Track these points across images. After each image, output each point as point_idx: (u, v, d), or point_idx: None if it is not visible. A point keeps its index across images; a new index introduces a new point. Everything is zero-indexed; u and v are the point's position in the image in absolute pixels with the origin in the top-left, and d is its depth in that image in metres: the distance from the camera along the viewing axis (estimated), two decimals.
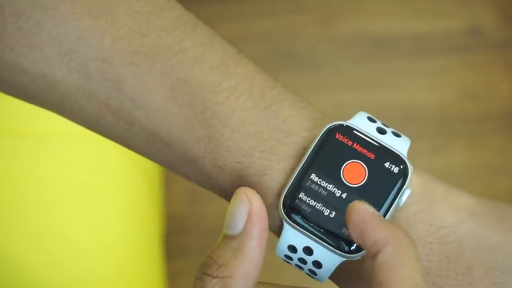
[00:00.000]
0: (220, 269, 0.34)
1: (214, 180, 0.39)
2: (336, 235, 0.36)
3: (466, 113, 1.27)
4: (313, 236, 0.36)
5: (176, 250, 1.15)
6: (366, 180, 0.37)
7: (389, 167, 0.37)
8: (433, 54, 1.30)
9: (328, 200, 0.37)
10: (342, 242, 0.36)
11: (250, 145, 0.37)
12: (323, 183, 0.37)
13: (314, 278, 0.38)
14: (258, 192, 0.37)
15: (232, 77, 0.38)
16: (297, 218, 0.37)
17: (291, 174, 0.37)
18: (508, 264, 0.36)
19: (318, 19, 1.32)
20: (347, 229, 0.35)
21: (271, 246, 0.38)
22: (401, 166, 0.37)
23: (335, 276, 0.38)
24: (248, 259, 0.35)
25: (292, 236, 0.37)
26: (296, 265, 0.38)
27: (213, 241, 0.37)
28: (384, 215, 0.36)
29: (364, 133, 0.37)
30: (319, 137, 0.37)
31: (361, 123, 0.38)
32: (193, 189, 1.19)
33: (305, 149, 0.37)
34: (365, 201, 0.36)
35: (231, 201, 0.36)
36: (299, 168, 0.37)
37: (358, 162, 0.37)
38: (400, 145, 0.37)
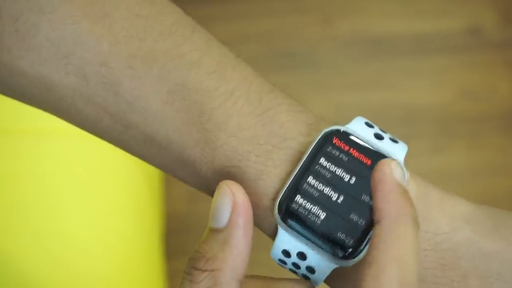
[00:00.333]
0: (209, 262, 0.35)
1: (211, 183, 0.39)
2: (331, 241, 0.36)
3: (466, 113, 1.27)
4: (307, 241, 0.36)
5: (176, 249, 1.15)
6: (362, 186, 0.37)
7: None
8: (434, 54, 1.30)
9: (325, 204, 0.37)
10: (336, 249, 0.36)
11: (246, 150, 0.37)
12: (319, 188, 0.37)
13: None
14: (253, 197, 0.37)
15: (229, 82, 0.38)
16: (292, 223, 0.37)
17: (287, 179, 0.37)
18: (504, 272, 0.36)
19: (318, 19, 1.32)
20: (342, 233, 0.35)
21: (268, 246, 0.38)
22: None
23: (330, 280, 0.38)
24: (236, 251, 0.35)
25: (286, 241, 0.37)
26: (290, 269, 0.38)
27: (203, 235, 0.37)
28: None
29: (361, 138, 0.37)
30: (315, 142, 0.37)
31: (358, 128, 0.38)
32: (193, 188, 1.19)
33: (301, 153, 0.37)
34: (364, 203, 0.36)
35: (215, 194, 0.36)
36: (295, 173, 0.37)
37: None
38: (397, 151, 0.37)
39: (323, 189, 0.37)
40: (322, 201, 0.37)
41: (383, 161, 0.34)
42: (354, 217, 0.36)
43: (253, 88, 0.38)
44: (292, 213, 0.37)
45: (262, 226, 0.38)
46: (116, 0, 0.38)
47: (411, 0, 1.33)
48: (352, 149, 0.37)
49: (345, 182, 0.37)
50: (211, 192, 0.39)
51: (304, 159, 0.37)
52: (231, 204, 0.36)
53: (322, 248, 0.36)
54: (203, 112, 0.38)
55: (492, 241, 0.37)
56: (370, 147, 0.37)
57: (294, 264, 0.37)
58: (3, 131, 0.67)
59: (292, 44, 1.30)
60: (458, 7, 1.32)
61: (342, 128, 0.37)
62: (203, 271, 0.35)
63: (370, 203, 0.36)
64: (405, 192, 0.34)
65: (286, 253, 0.37)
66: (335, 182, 0.37)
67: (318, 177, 0.37)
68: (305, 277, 0.38)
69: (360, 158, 0.37)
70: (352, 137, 0.37)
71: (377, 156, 0.37)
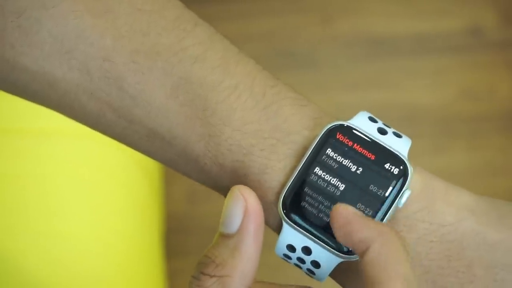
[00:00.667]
0: (218, 268, 0.35)
1: (215, 178, 0.39)
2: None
3: (466, 113, 1.27)
4: (311, 236, 0.36)
5: (176, 248, 1.15)
6: (366, 181, 0.37)
7: (389, 168, 0.37)
8: (434, 54, 1.30)
9: (329, 199, 0.37)
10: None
11: (250, 144, 0.37)
12: (323, 183, 0.37)
13: (313, 278, 0.38)
14: (258, 191, 0.37)
15: (232, 76, 0.38)
16: (296, 218, 0.37)
17: (291, 173, 0.37)
18: (508, 262, 0.36)
19: (319, 19, 1.32)
20: None
21: (270, 246, 0.38)
22: (401, 167, 0.37)
23: (335, 274, 0.38)
24: (246, 257, 0.35)
25: (291, 235, 0.37)
26: (294, 264, 0.38)
27: (213, 240, 0.37)
28: (384, 216, 0.36)
29: (365, 133, 0.37)
30: (319, 136, 0.37)
31: (362, 123, 0.38)
32: (193, 188, 1.19)
33: (305, 148, 0.37)
34: (365, 202, 0.36)
35: (226, 199, 0.36)
36: (299, 167, 0.37)
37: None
38: (400, 146, 0.37)
39: (328, 183, 0.37)
40: (325, 196, 0.37)
41: (336, 207, 0.34)
42: (360, 208, 0.36)
43: (256, 82, 0.38)
44: (296, 208, 0.37)
45: (267, 220, 0.38)
46: None
47: (412, 0, 1.33)
48: (355, 144, 0.37)
49: (351, 173, 0.37)
50: (215, 187, 0.39)
51: (308, 154, 0.37)
52: (242, 210, 0.35)
53: (327, 243, 0.36)
54: (207, 106, 0.38)
55: (497, 231, 0.37)
56: (374, 142, 0.37)
57: (299, 259, 0.37)
58: (3, 131, 0.67)
59: (292, 44, 1.30)
60: (459, 7, 1.32)
61: (345, 123, 0.37)
62: (212, 276, 0.35)
63: (378, 193, 0.36)
64: (369, 218, 0.34)
65: (291, 248, 0.37)
66: (339, 175, 0.37)
67: (322, 171, 0.37)
68: (310, 272, 0.38)
69: (364, 153, 0.37)
70: (355, 132, 0.37)
71: (380, 150, 0.37)
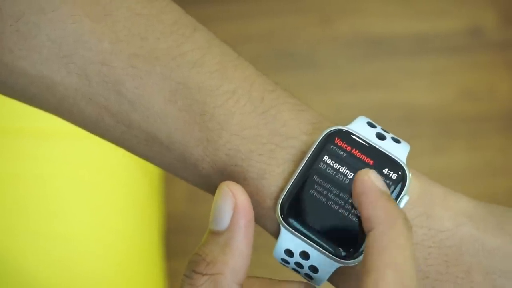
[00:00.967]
0: (209, 266, 0.35)
1: (213, 183, 0.39)
2: (333, 240, 0.36)
3: (466, 113, 1.27)
4: (309, 241, 0.36)
5: (176, 249, 1.15)
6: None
7: (388, 174, 0.37)
8: (434, 54, 1.30)
9: (327, 203, 0.37)
10: (339, 248, 0.36)
11: (249, 149, 0.37)
12: (321, 187, 0.37)
13: (310, 282, 0.38)
14: (256, 196, 0.37)
15: (231, 80, 0.38)
16: (294, 223, 0.36)
17: (289, 178, 0.37)
18: (507, 268, 0.36)
19: (318, 19, 1.32)
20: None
21: (270, 247, 0.38)
22: (400, 173, 0.37)
23: (333, 279, 0.38)
24: (237, 253, 0.35)
25: (289, 240, 0.37)
26: (293, 268, 0.38)
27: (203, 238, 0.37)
28: None
29: (363, 138, 0.37)
30: (318, 141, 0.37)
31: (360, 128, 0.38)
32: (193, 188, 1.18)
33: (303, 153, 0.37)
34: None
35: (215, 196, 0.36)
36: (298, 172, 0.37)
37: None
38: (399, 151, 0.37)
39: (326, 188, 0.37)
40: (324, 201, 0.37)
41: (361, 171, 0.34)
42: (357, 213, 0.36)
43: (255, 87, 0.38)
44: (294, 213, 0.36)
45: (265, 225, 0.38)
46: None
47: (411, 0, 1.32)
48: (354, 149, 0.37)
49: (348, 181, 0.37)
50: (212, 191, 0.39)
51: (306, 159, 0.37)
52: (232, 206, 0.35)
53: (325, 248, 0.36)
54: (205, 111, 0.37)
55: (495, 237, 0.37)
56: (372, 147, 0.37)
57: (297, 264, 0.37)
58: (3, 131, 0.67)
59: (292, 44, 1.30)
60: (458, 7, 1.32)
61: (344, 128, 0.37)
62: (203, 274, 0.34)
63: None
64: (390, 197, 0.34)
65: (289, 253, 0.37)
66: (337, 182, 0.37)
67: (320, 177, 0.37)
68: (308, 277, 0.38)
69: (362, 158, 0.37)
70: (354, 137, 0.37)
71: (379, 156, 0.37)
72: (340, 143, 0.37)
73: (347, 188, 0.36)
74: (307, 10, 1.32)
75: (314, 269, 0.37)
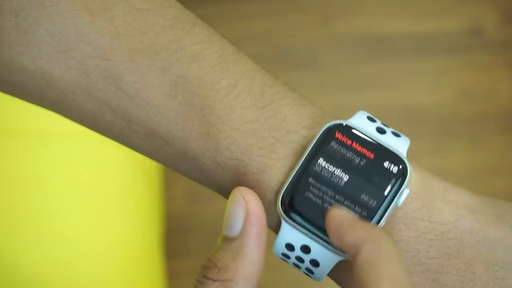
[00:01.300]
0: (221, 272, 0.34)
1: (213, 177, 0.38)
2: None
3: (466, 113, 1.27)
4: (311, 234, 0.36)
5: (176, 249, 1.15)
6: (365, 180, 0.37)
7: (388, 167, 0.37)
8: (434, 54, 1.30)
9: (327, 198, 0.36)
10: None
11: (249, 143, 0.37)
12: (321, 182, 0.37)
13: (311, 277, 0.38)
14: (257, 190, 0.37)
15: (231, 75, 0.38)
16: (295, 217, 0.36)
17: (290, 172, 0.37)
18: (509, 259, 0.36)
19: (318, 19, 1.32)
20: None
21: (269, 246, 0.38)
22: (400, 166, 0.37)
23: (333, 273, 0.38)
24: (248, 261, 0.34)
25: (290, 234, 0.37)
26: (293, 263, 0.38)
27: (213, 240, 0.37)
28: (383, 215, 0.36)
29: (364, 132, 0.37)
30: (318, 135, 0.37)
31: (360, 122, 0.38)
32: (193, 188, 1.19)
33: (304, 147, 0.37)
34: (365, 200, 0.36)
35: (228, 202, 0.36)
36: (298, 167, 0.37)
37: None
38: (399, 145, 0.37)
39: (326, 183, 0.37)
40: (324, 195, 0.36)
41: (328, 213, 0.34)
42: (358, 206, 0.36)
43: (255, 81, 0.38)
44: (295, 207, 0.36)
45: None
46: None
47: (411, 0, 1.33)
48: (354, 142, 0.37)
49: (343, 183, 0.37)
50: (213, 186, 0.39)
51: (307, 153, 0.37)
52: (243, 212, 0.35)
53: (326, 241, 0.36)
54: (205, 105, 0.37)
55: (496, 230, 0.37)
56: (373, 141, 0.37)
57: (298, 258, 0.37)
58: (3, 131, 0.67)
59: (292, 44, 1.30)
60: (458, 7, 1.32)
61: (344, 122, 0.37)
62: (215, 280, 0.34)
63: (370, 203, 0.36)
64: (363, 220, 0.34)
65: (290, 247, 0.37)
66: (333, 184, 0.37)
67: (315, 179, 0.37)
68: (309, 271, 0.38)
69: (363, 152, 0.37)
70: (354, 131, 0.37)
71: (379, 149, 0.37)
72: (340, 137, 0.37)
73: (343, 191, 0.37)
74: (307, 10, 1.32)
75: (315, 263, 0.37)
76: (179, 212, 1.20)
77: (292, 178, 0.37)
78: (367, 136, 0.37)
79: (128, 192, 0.72)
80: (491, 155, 1.25)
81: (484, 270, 0.36)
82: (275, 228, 0.38)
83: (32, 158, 0.66)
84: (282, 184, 0.37)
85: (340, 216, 0.34)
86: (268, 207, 0.37)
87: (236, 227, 0.35)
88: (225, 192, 0.39)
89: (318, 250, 0.36)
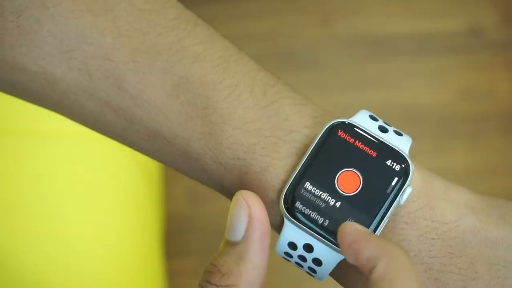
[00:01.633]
0: (224, 277, 0.34)
1: (215, 177, 0.39)
2: (337, 232, 0.36)
3: (466, 113, 1.27)
4: (313, 233, 0.36)
5: (176, 249, 1.15)
6: (367, 178, 0.37)
7: (391, 165, 0.37)
8: (434, 54, 1.30)
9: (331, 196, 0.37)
10: None
11: (252, 142, 0.37)
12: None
13: (313, 276, 0.38)
14: (259, 189, 0.37)
15: (233, 75, 0.38)
16: (298, 215, 0.36)
17: (292, 171, 0.37)
18: (510, 258, 0.37)
19: (318, 19, 1.32)
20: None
21: (271, 246, 0.38)
22: (403, 165, 0.37)
23: (336, 273, 0.38)
24: (251, 265, 0.34)
25: (293, 233, 0.37)
26: (295, 262, 0.38)
27: (214, 240, 0.37)
28: (385, 213, 0.36)
29: (366, 131, 0.37)
30: (321, 134, 0.37)
31: (363, 121, 0.38)
32: (193, 188, 1.19)
33: (306, 146, 0.37)
34: (367, 199, 0.36)
35: (231, 206, 0.35)
36: (301, 165, 0.37)
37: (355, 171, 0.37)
38: (402, 144, 0.37)
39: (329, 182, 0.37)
40: (328, 193, 0.37)
41: (341, 226, 0.34)
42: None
43: (257, 81, 0.38)
44: (297, 205, 0.36)
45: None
46: None
47: (411, 0, 1.33)
48: (357, 141, 0.37)
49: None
50: (215, 186, 0.39)
51: (310, 151, 0.37)
52: (246, 217, 0.35)
53: (329, 239, 0.36)
54: (207, 105, 0.37)
55: (498, 228, 0.37)
56: (376, 139, 0.37)
57: (300, 257, 0.37)
58: (3, 131, 0.67)
59: (292, 44, 1.30)
60: (458, 7, 1.32)
61: (347, 121, 0.38)
62: (218, 286, 0.34)
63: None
64: (375, 234, 0.34)
65: (293, 246, 0.37)
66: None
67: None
68: (311, 270, 0.38)
69: (366, 150, 0.37)
70: (357, 130, 0.37)
71: (382, 148, 0.37)
72: (343, 135, 0.37)
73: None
74: (308, 9, 1.32)
75: (317, 262, 0.37)
76: (179, 212, 1.20)
77: (295, 176, 0.37)
78: (370, 134, 0.37)
79: (129, 192, 0.72)
80: (491, 155, 1.25)
81: (486, 269, 0.36)
82: (278, 227, 0.38)
83: (32, 158, 0.66)
84: (284, 183, 0.37)
85: (353, 231, 0.34)
86: (271, 206, 0.37)
87: (239, 231, 0.35)
88: (227, 192, 0.39)
89: (321, 249, 0.36)
